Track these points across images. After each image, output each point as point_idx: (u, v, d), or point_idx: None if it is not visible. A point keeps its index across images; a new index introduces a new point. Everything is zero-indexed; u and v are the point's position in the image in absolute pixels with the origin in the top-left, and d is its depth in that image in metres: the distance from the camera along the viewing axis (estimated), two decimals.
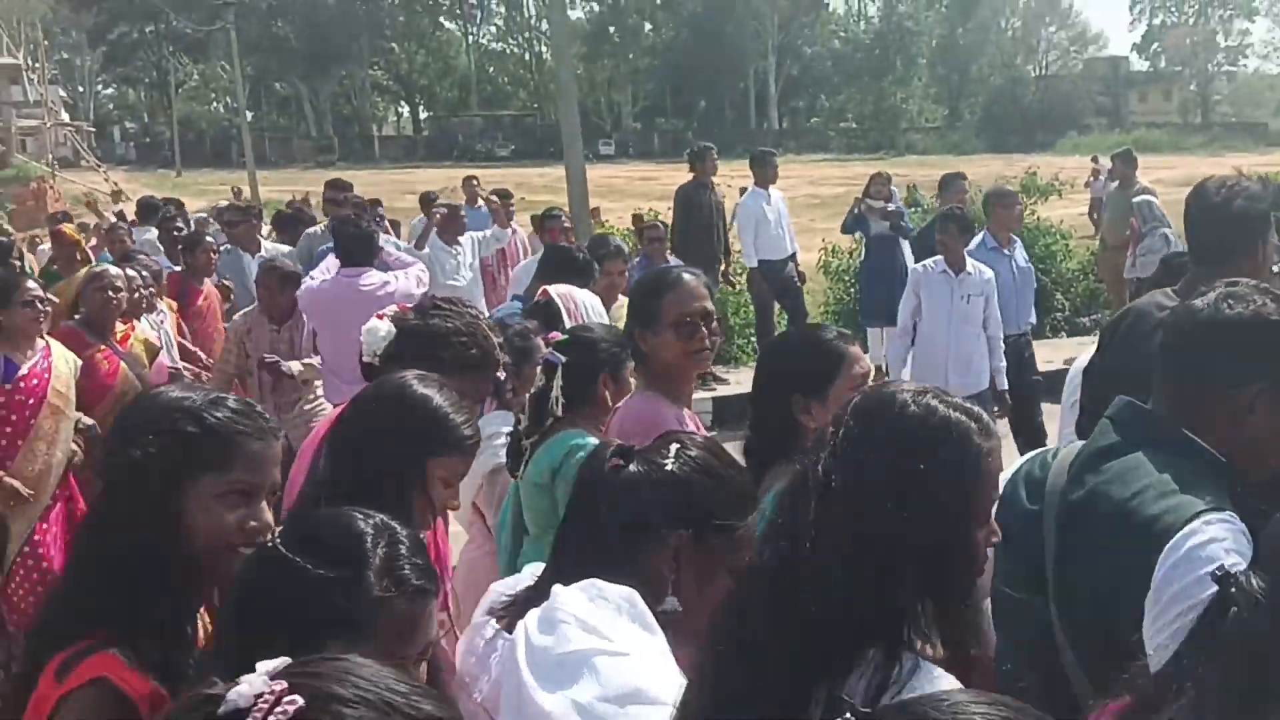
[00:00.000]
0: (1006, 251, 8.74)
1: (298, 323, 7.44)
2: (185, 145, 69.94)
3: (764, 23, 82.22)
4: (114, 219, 16.82)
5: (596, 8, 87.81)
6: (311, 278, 7.11)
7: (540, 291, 5.09)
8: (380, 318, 3.38)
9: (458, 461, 2.68)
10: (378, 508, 2.06)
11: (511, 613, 2.25)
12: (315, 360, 7.30)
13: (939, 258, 8.03)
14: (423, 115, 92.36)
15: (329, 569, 1.87)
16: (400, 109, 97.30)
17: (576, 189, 16.02)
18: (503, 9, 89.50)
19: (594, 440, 3.79)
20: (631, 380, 4.01)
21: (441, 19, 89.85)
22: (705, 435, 2.39)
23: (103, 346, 6.41)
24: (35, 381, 5.62)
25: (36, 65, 50.41)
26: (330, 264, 7.14)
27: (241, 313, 7.91)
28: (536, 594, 2.21)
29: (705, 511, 2.21)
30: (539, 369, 3.83)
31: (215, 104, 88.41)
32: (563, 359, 3.75)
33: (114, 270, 6.79)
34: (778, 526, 1.94)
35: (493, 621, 2.31)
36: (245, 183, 43.39)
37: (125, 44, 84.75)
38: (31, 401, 5.58)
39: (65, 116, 56.92)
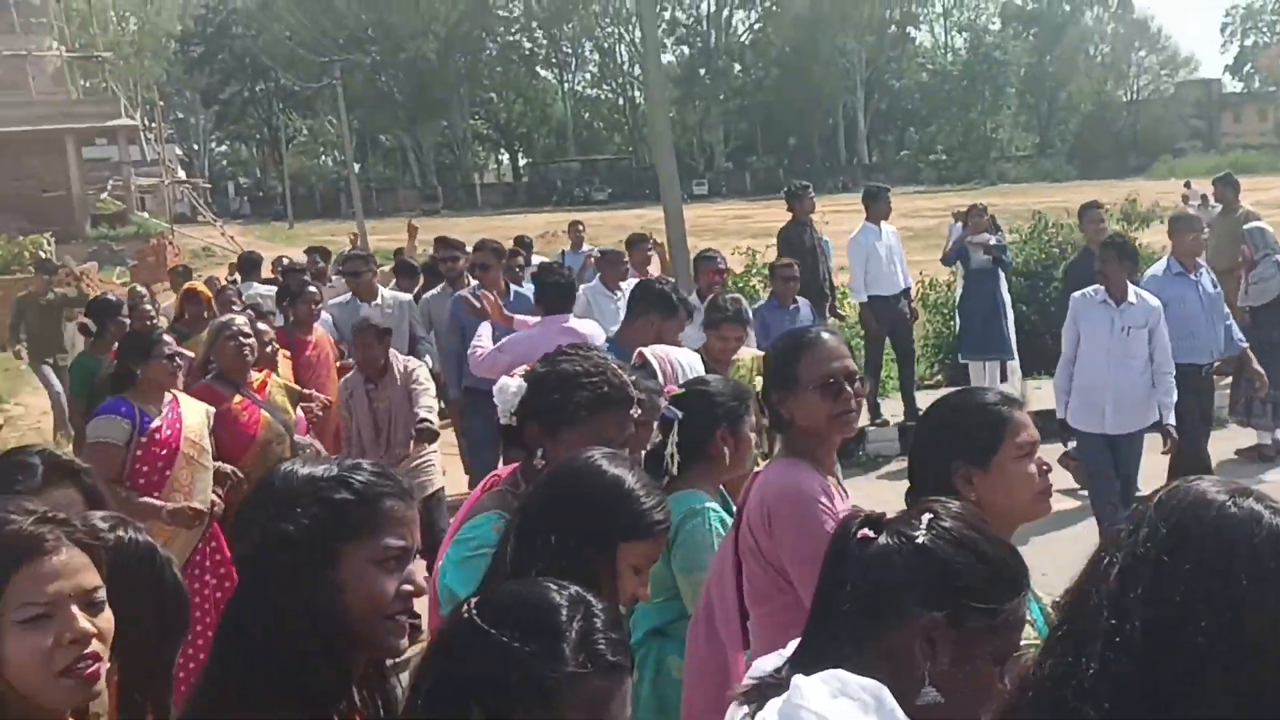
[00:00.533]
0: (1193, 276, 8.29)
1: (392, 380, 7.34)
2: (296, 198, 71.27)
3: (851, 59, 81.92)
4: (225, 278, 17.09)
5: (687, 51, 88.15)
6: (478, 347, 6.84)
7: (636, 355, 4.82)
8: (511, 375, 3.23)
9: (649, 547, 2.53)
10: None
11: (756, 699, 2.05)
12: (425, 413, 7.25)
13: (1099, 287, 7.51)
14: (522, 162, 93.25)
15: (523, 641, 1.77)
16: (500, 157, 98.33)
17: (675, 230, 16.03)
18: (596, 56, 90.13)
19: (712, 501, 3.66)
20: (752, 436, 3.84)
21: (538, 68, 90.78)
22: (960, 504, 2.14)
23: (239, 397, 6.25)
24: (168, 433, 5.54)
25: (154, 125, 51.55)
26: (485, 330, 6.95)
27: (345, 378, 7.86)
28: (782, 679, 2.00)
29: (962, 591, 1.95)
30: (655, 425, 3.66)
31: (324, 157, 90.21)
32: (679, 414, 3.61)
33: (240, 319, 6.63)
34: (1061, 635, 1.71)
35: (746, 709, 2.09)
36: (355, 232, 44.15)
37: (237, 102, 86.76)
38: (165, 453, 5.49)
39: (182, 174, 58.17)
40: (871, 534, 2.03)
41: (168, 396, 5.65)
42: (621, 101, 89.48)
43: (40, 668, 1.89)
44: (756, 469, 3.60)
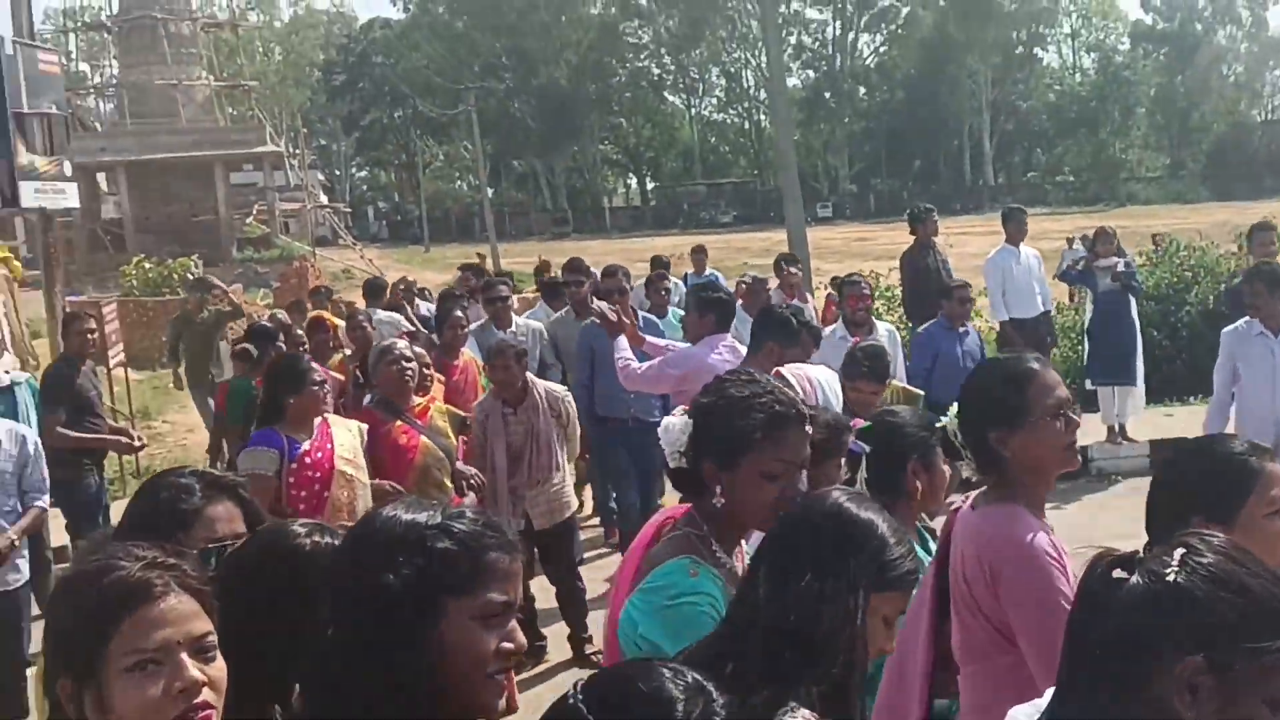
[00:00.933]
0: None
1: (533, 405, 7.08)
2: (432, 222, 72.43)
3: (977, 80, 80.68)
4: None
5: (812, 75, 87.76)
6: (627, 361, 6.59)
7: (774, 374, 4.69)
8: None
9: (901, 598, 2.33)
10: (813, 648, 1.88)
11: None
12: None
13: (1251, 319, 7.06)
14: (649, 186, 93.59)
15: None
16: (628, 180, 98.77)
17: (798, 252, 16.07)
18: (723, 81, 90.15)
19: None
20: (945, 469, 3.58)
21: (666, 93, 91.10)
22: (1222, 536, 1.90)
23: (398, 422, 6.13)
24: (319, 455, 5.47)
25: (297, 152, 52.89)
26: (623, 343, 6.68)
27: (478, 401, 7.58)
28: None
29: (1224, 631, 1.73)
30: (842, 461, 3.45)
31: (459, 182, 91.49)
32: (867, 448, 3.41)
33: (402, 344, 6.46)
34: None
35: None
36: (488, 254, 44.73)
37: (376, 129, 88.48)
38: (319, 475, 5.43)
39: (324, 199, 59.52)
40: (1124, 574, 1.83)
41: (317, 420, 5.61)
42: (747, 125, 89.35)
43: (149, 717, 1.81)
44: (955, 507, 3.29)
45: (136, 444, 9.18)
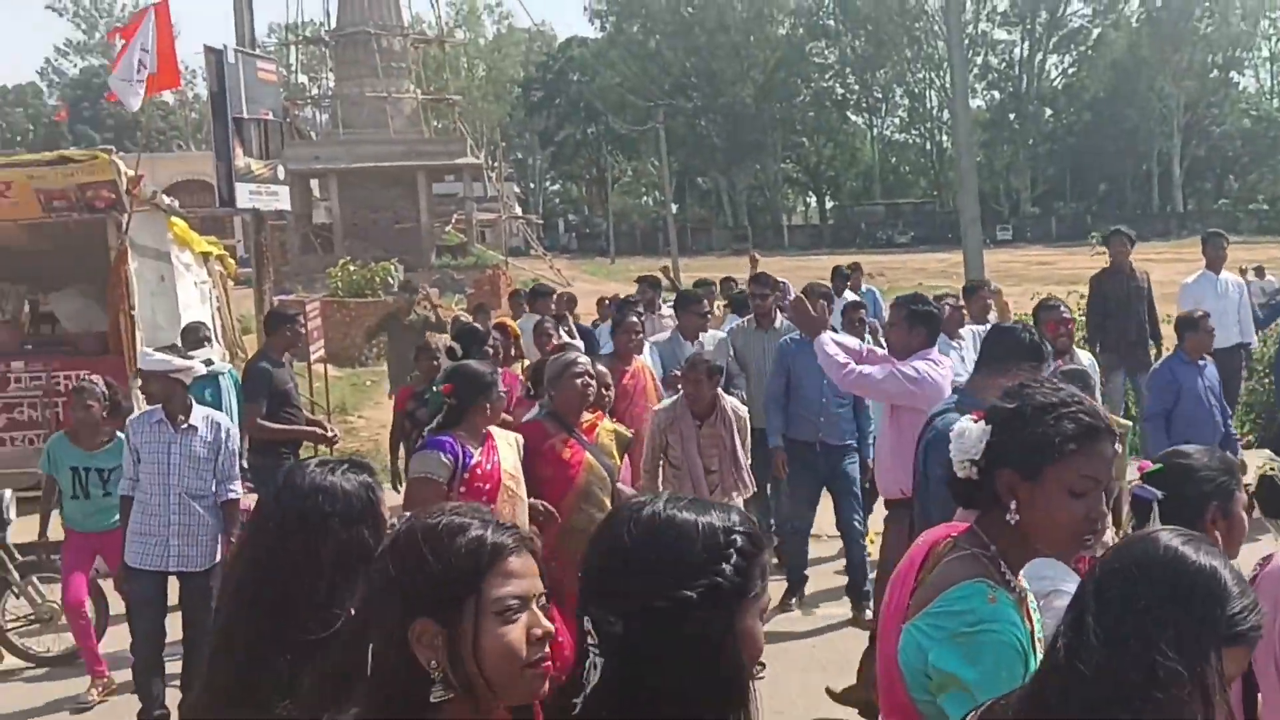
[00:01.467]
0: None
1: (722, 418, 6.87)
2: (618, 235, 73.05)
3: (1169, 103, 77.57)
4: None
5: (997, 96, 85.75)
6: (845, 363, 6.30)
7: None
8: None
9: (1244, 654, 2.01)
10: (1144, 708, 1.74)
11: None
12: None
13: None
14: (828, 204, 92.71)
15: None
16: (808, 199, 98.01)
17: (974, 273, 15.55)
18: (906, 101, 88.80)
19: None
20: (1244, 517, 3.13)
21: (849, 113, 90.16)
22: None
23: (566, 436, 5.85)
24: (488, 467, 5.31)
25: (495, 165, 53.81)
26: (828, 340, 6.38)
27: (662, 406, 7.37)
28: None
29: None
30: (1127, 507, 3.06)
31: (645, 197, 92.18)
32: (1158, 494, 2.97)
33: (584, 358, 6.17)
34: None
35: None
36: (666, 265, 44.76)
37: (570, 144, 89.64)
38: (488, 487, 5.26)
39: (518, 210, 60.56)
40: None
41: (483, 430, 5.46)
42: (929, 146, 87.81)
43: (514, 659, 1.92)
44: None
45: (330, 435, 9.23)
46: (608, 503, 5.82)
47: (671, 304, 10.68)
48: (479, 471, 5.25)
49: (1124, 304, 10.65)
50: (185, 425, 6.49)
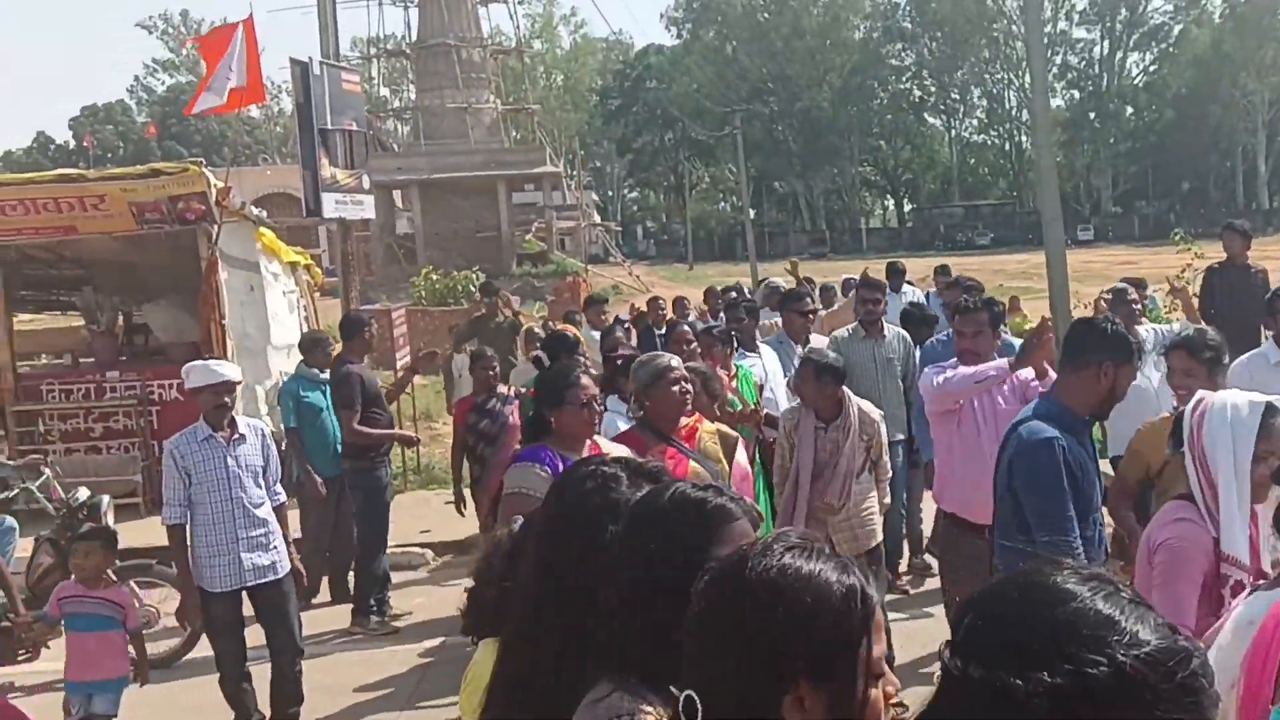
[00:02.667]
0: None
1: (846, 423, 6.33)
2: (696, 241, 72.94)
3: (1253, 99, 75.79)
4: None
5: (1077, 95, 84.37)
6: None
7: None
8: None
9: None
10: None
11: None
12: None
13: None
14: (907, 207, 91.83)
15: None
16: (886, 202, 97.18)
17: (1057, 274, 15.14)
18: (984, 102, 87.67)
19: None
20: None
21: (926, 115, 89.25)
22: None
23: (665, 446, 5.22)
24: None
25: (574, 173, 53.98)
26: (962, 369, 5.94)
27: (787, 408, 7.04)
28: None
29: None
30: None
31: (723, 203, 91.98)
32: None
33: (678, 361, 5.63)
34: None
35: None
36: (748, 275, 44.52)
37: (648, 151, 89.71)
38: None
39: (597, 218, 60.59)
40: None
41: (587, 441, 4.93)
42: (1008, 147, 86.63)
43: None
44: None
45: (414, 438, 9.26)
46: None
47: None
48: None
49: (1236, 297, 10.08)
50: (236, 435, 6.38)
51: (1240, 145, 78.12)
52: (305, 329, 14.02)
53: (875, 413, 6.61)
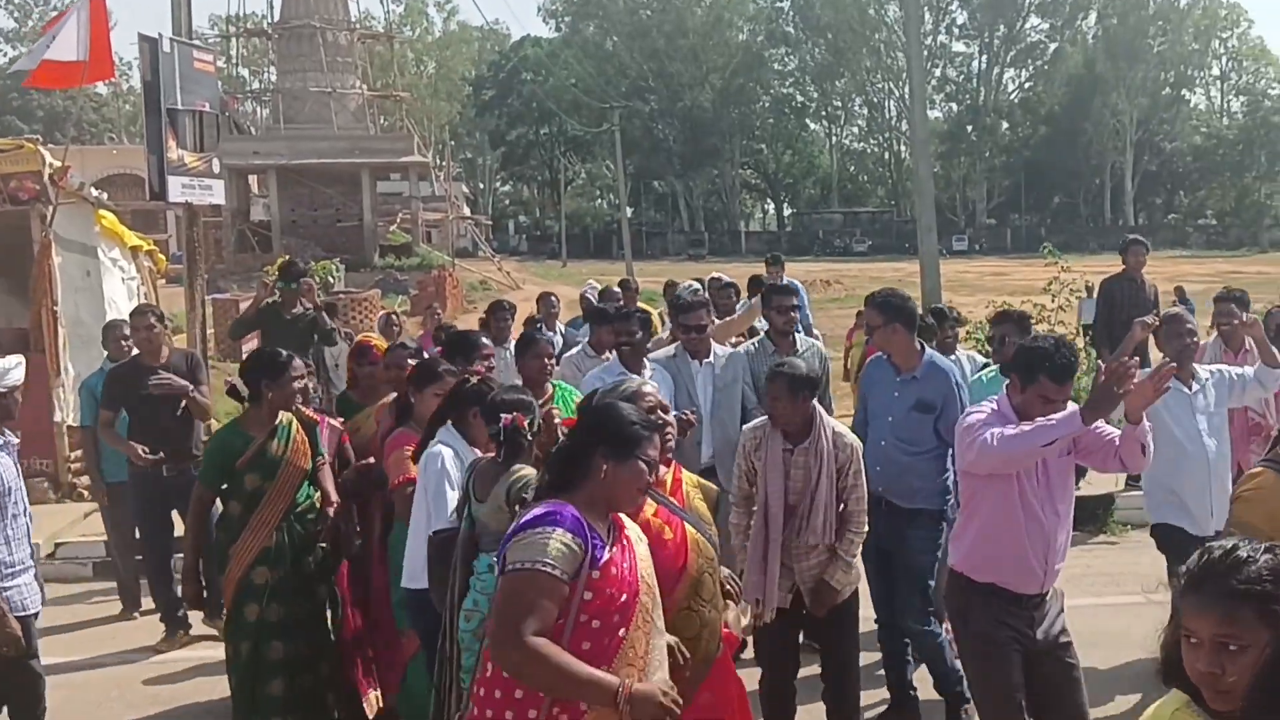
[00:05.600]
0: None
1: (817, 447, 5.24)
2: (571, 238, 72.92)
3: (1122, 119, 78.71)
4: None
5: (955, 108, 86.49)
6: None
7: None
8: None
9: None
10: None
11: None
12: None
13: None
14: (786, 211, 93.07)
15: None
16: (766, 206, 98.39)
17: (930, 282, 15.61)
18: (865, 110, 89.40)
19: None
20: None
21: (808, 120, 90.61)
22: None
23: (653, 505, 3.92)
24: (625, 566, 3.24)
25: (443, 164, 53.50)
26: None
27: (752, 424, 6.00)
28: None
29: None
30: None
31: (599, 200, 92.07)
32: None
33: (653, 386, 4.62)
34: None
35: None
36: (623, 273, 44.60)
37: (522, 145, 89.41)
38: (623, 599, 3.22)
39: (467, 211, 60.21)
40: None
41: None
42: (887, 155, 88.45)
43: None
44: None
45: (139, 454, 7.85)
46: (719, 595, 4.13)
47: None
48: (613, 572, 3.18)
49: (1131, 310, 10.50)
50: (12, 438, 5.39)
51: (1110, 163, 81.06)
52: None
53: (851, 436, 5.50)
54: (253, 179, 45.69)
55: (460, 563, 4.25)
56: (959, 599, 4.73)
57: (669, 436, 4.14)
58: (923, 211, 16.46)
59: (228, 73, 49.28)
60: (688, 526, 3.97)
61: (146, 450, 7.68)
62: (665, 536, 3.89)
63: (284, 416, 5.76)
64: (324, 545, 5.85)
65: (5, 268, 12.75)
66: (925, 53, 72.10)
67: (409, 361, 6.32)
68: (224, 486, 5.76)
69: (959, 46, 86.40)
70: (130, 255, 13.53)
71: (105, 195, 13.54)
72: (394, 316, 11.71)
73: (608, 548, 3.18)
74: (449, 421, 5.03)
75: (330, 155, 41.73)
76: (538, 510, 3.17)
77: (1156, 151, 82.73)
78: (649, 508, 3.78)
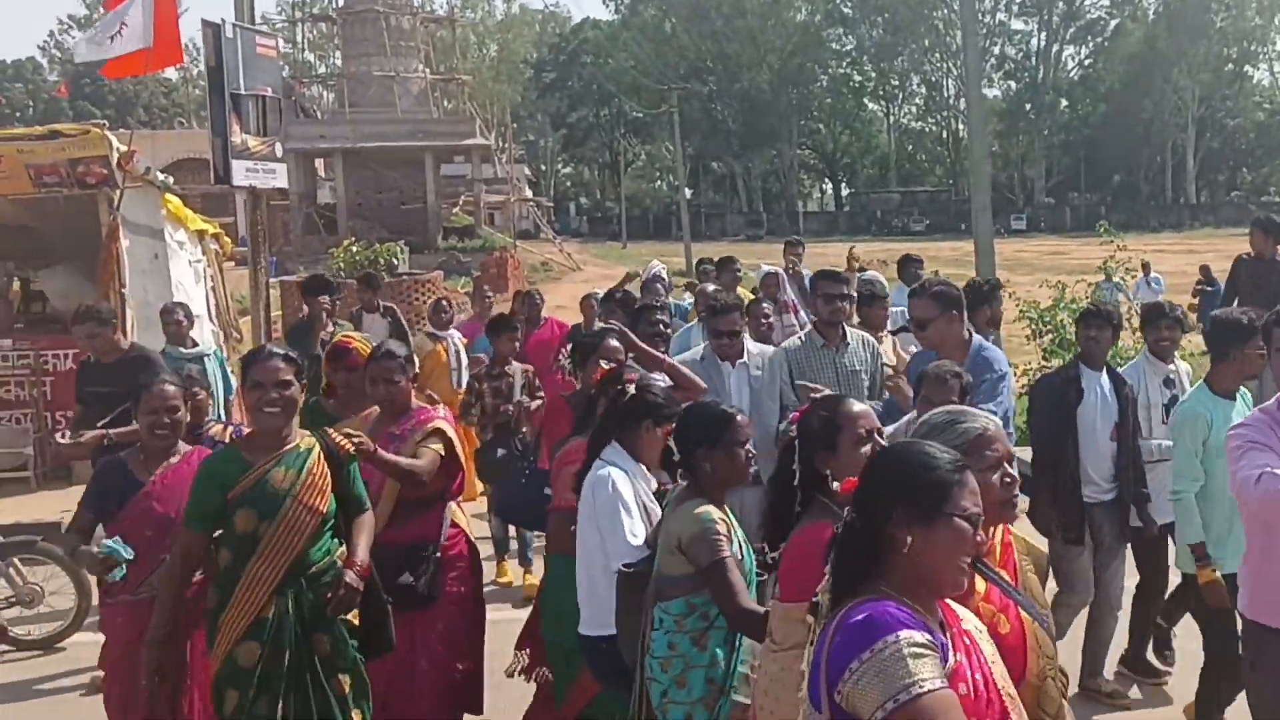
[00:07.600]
0: None
1: None
2: (631, 220, 72.74)
3: (1184, 96, 77.19)
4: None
5: (1013, 86, 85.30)
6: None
7: None
8: None
9: None
10: None
11: None
12: None
13: None
14: (844, 192, 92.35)
15: None
16: (824, 186, 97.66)
17: (984, 262, 15.36)
18: (923, 89, 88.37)
19: None
20: None
21: (865, 100, 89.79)
22: None
23: (987, 588, 3.11)
24: (977, 673, 2.45)
25: (505, 147, 53.54)
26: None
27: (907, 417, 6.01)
28: None
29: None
30: None
31: (659, 182, 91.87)
32: None
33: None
34: None
35: None
36: (682, 255, 44.46)
37: (583, 127, 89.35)
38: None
39: (528, 193, 60.21)
40: None
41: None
42: (945, 134, 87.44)
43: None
44: None
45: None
46: (1065, 707, 2.96)
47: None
48: (963, 690, 2.25)
49: (1261, 290, 10.07)
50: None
51: (1170, 140, 79.49)
52: (212, 300, 13.72)
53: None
54: (319, 162, 45.96)
55: (650, 606, 3.73)
56: (1254, 645, 4.06)
57: (1008, 480, 2.76)
58: (977, 191, 16.22)
59: (294, 57, 49.56)
60: (1023, 614, 2.75)
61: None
62: (1001, 631, 2.66)
63: (302, 439, 4.25)
64: (345, 621, 4.26)
65: (74, 251, 12.85)
66: (984, 30, 71.17)
67: (414, 372, 5.21)
68: (217, 534, 4.20)
69: (1018, 24, 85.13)
70: (196, 239, 13.59)
71: (171, 179, 13.60)
72: (444, 303, 10.93)
73: (952, 652, 2.26)
74: (612, 439, 4.31)
75: (394, 139, 41.91)
76: (850, 620, 2.17)
77: (1219, 129, 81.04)
78: (978, 586, 2.65)
